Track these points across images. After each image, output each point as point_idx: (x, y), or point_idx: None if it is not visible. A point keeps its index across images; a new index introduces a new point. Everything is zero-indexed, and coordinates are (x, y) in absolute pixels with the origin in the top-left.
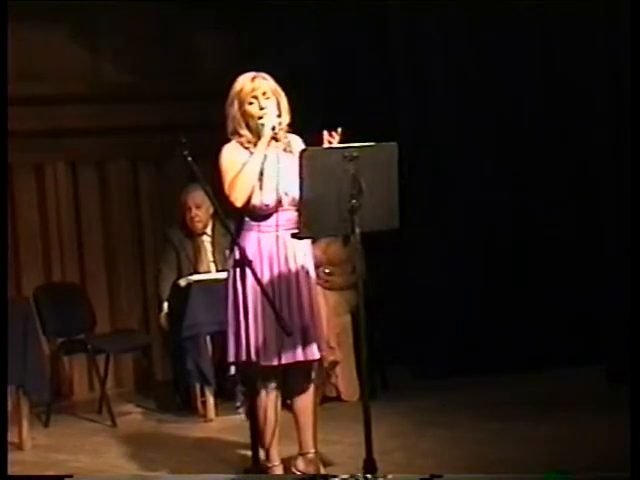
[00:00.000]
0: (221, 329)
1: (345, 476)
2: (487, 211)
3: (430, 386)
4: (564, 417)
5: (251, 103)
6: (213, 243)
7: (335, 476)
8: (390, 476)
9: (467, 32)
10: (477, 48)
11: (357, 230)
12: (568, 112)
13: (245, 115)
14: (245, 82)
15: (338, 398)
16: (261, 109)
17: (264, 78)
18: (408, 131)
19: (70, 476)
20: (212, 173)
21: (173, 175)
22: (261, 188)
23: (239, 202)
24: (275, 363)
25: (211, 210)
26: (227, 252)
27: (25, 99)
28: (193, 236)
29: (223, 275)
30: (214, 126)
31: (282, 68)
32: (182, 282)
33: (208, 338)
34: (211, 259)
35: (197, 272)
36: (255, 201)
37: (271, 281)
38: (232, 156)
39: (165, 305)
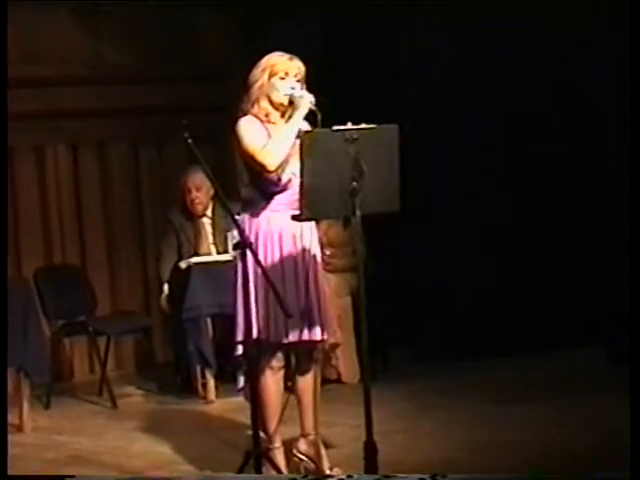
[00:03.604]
0: (222, 311)
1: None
2: (487, 196)
3: (431, 369)
4: (564, 399)
5: (282, 78)
6: (213, 225)
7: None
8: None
9: (470, 21)
10: (480, 38)
11: (358, 212)
12: (571, 104)
13: (271, 87)
14: (282, 59)
15: (338, 380)
16: (292, 88)
17: (300, 62)
18: (408, 118)
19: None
20: (213, 155)
21: (173, 157)
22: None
23: (272, 166)
24: (283, 341)
25: (211, 192)
26: (231, 233)
27: (26, 81)
28: (193, 218)
29: (224, 257)
30: (215, 108)
31: (284, 51)
32: (183, 264)
33: (209, 320)
34: (211, 241)
35: (197, 254)
36: (272, 174)
37: (280, 260)
38: (254, 127)
39: (166, 287)
